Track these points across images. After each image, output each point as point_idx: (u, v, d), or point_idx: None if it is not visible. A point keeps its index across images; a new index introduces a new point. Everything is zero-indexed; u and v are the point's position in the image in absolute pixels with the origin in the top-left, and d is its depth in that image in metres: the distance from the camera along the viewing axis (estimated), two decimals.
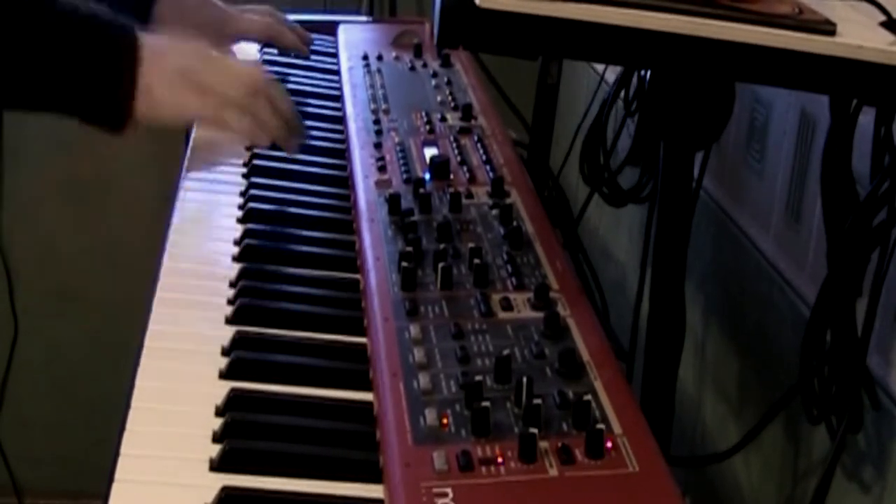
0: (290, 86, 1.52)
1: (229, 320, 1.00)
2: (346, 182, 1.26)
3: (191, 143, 1.31)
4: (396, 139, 1.31)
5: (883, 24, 0.94)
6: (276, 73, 1.53)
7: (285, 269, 1.08)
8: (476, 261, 1.03)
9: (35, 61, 1.13)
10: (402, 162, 1.25)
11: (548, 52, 1.31)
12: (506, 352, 0.90)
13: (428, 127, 1.34)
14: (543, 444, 0.81)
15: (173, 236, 1.14)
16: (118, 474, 0.80)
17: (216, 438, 0.85)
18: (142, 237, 2.34)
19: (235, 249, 1.11)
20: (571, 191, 1.75)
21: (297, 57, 1.60)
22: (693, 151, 1.16)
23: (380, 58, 1.57)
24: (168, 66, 1.16)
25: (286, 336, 0.98)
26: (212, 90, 1.18)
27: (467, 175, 1.22)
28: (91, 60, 1.14)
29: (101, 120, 1.16)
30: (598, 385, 0.89)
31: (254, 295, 1.03)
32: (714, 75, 1.07)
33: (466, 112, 1.38)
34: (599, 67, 1.85)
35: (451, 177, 1.22)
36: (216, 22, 1.48)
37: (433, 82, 1.49)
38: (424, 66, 1.54)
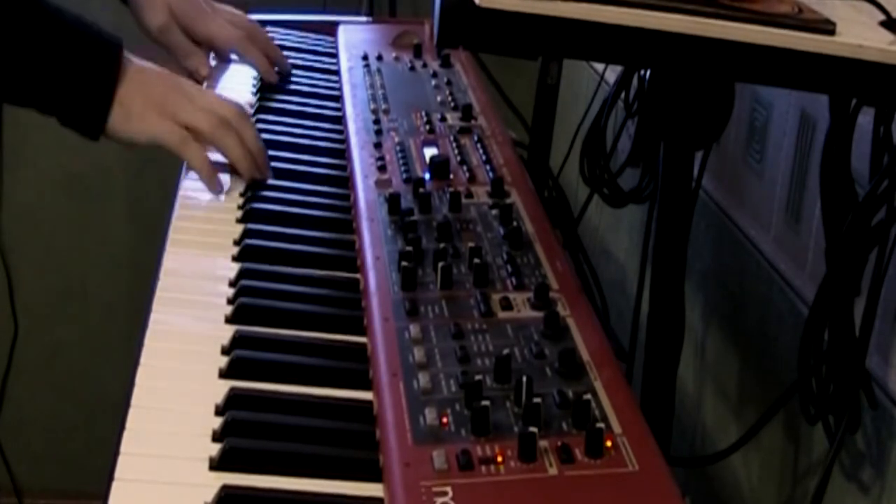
0: (290, 86, 1.52)
1: (229, 320, 1.00)
2: (346, 182, 1.26)
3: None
4: (396, 139, 1.31)
5: (883, 24, 0.94)
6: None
7: (285, 268, 1.08)
8: (476, 261, 1.03)
9: (21, 56, 1.17)
10: (401, 162, 1.25)
11: (548, 52, 1.31)
12: (506, 351, 0.90)
13: (428, 127, 1.34)
14: (543, 444, 0.81)
15: (173, 236, 1.14)
16: (118, 473, 0.80)
17: (216, 437, 0.85)
18: (142, 237, 2.35)
19: (235, 249, 1.11)
20: (571, 191, 1.75)
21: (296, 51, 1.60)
22: (693, 151, 1.16)
23: (380, 58, 1.57)
24: (146, 89, 1.21)
25: (286, 335, 0.98)
26: (182, 122, 1.21)
27: (467, 175, 1.22)
28: (76, 65, 1.18)
29: (76, 125, 1.20)
30: (598, 385, 0.89)
31: (254, 294, 1.03)
32: (714, 75, 1.07)
33: (466, 112, 1.38)
34: (599, 67, 1.85)
35: (451, 177, 1.22)
36: (189, 18, 1.48)
37: (433, 82, 1.49)
38: (424, 66, 1.54)
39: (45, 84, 1.18)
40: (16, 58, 1.17)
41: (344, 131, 1.37)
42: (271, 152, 1.30)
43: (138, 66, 1.22)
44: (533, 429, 0.81)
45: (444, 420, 0.84)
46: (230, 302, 1.02)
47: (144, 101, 1.20)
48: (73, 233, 2.45)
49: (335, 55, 1.63)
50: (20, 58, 1.17)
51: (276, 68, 1.52)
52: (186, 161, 1.22)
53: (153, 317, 1.00)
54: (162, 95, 1.22)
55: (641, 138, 1.56)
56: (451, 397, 0.86)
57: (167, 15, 1.45)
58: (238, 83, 1.49)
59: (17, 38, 1.16)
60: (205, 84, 1.45)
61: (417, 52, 1.58)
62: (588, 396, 0.85)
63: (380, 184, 1.20)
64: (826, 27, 0.90)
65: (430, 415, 0.84)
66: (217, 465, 0.82)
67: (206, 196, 1.22)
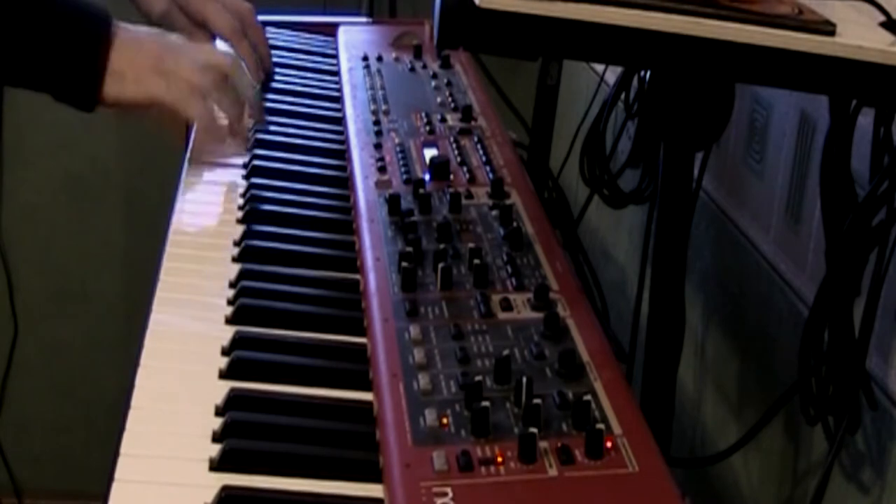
0: (290, 86, 1.52)
1: (229, 320, 1.00)
2: (346, 182, 1.26)
3: (191, 143, 1.31)
4: (396, 140, 1.31)
5: (883, 25, 0.94)
6: (276, 72, 1.53)
7: (285, 269, 1.08)
8: (476, 261, 1.03)
9: (9, 35, 1.17)
10: (401, 162, 1.25)
11: (548, 52, 1.31)
12: (506, 352, 0.90)
13: (428, 128, 1.34)
14: (543, 444, 0.81)
15: (173, 236, 1.14)
16: (118, 474, 0.80)
17: (216, 438, 0.85)
18: (142, 237, 2.36)
19: (235, 250, 1.11)
20: (571, 191, 1.75)
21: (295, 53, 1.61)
22: (693, 152, 1.16)
23: (380, 59, 1.57)
24: (139, 53, 1.22)
25: (286, 336, 0.98)
26: (177, 76, 1.22)
27: (467, 176, 1.22)
28: (64, 40, 1.18)
29: (70, 98, 1.21)
30: (598, 385, 0.89)
31: (254, 295, 1.03)
32: (714, 75, 1.07)
33: (466, 113, 1.38)
34: (599, 68, 1.85)
35: (451, 177, 1.22)
36: None
37: (433, 83, 1.49)
38: (424, 67, 1.54)
39: (34, 60, 1.18)
40: (5, 36, 1.17)
41: (344, 132, 1.37)
42: (271, 153, 1.30)
43: (129, 33, 1.23)
44: (533, 430, 0.81)
45: (444, 421, 0.84)
46: (230, 303, 1.02)
47: (138, 65, 1.21)
48: (72, 233, 2.45)
49: (335, 56, 1.63)
50: (9, 36, 1.17)
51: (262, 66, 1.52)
52: (188, 115, 1.23)
53: (153, 317, 1.00)
54: (156, 56, 1.22)
55: (641, 139, 1.56)
56: (451, 398, 0.86)
57: (167, 0, 1.46)
58: None
59: (5, 16, 1.16)
60: None
61: (417, 52, 1.58)
62: (588, 397, 0.85)
63: (380, 184, 1.20)
64: (826, 28, 0.90)
65: (430, 416, 0.84)
66: (217, 465, 0.82)
67: (207, 196, 1.22)
